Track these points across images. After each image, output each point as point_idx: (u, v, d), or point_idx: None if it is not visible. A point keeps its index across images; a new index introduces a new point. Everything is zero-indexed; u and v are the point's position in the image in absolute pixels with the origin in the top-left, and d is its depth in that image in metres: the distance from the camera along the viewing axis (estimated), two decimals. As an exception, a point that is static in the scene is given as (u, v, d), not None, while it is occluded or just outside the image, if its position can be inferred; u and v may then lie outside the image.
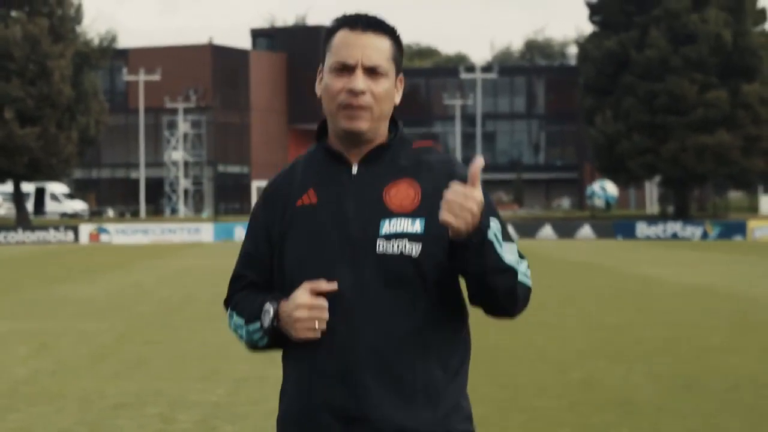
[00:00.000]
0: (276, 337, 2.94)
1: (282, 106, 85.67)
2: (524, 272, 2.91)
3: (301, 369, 2.92)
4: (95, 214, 73.28)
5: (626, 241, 52.32)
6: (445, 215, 2.74)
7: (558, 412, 9.11)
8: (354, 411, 2.85)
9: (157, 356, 12.61)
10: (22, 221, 58.30)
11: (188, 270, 29.69)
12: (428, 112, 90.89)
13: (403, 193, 2.91)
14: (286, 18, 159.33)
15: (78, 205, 73.77)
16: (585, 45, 64.77)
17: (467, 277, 2.87)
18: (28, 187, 67.39)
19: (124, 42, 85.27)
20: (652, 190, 79.74)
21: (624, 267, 29.71)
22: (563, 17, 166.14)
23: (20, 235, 52.78)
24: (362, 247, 2.88)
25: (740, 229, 53.60)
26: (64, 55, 55.90)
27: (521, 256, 2.93)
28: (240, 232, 54.98)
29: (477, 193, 2.75)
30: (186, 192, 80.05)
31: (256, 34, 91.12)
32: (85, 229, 53.86)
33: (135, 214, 75.75)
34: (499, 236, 2.84)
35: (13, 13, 57.80)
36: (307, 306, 2.84)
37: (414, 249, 2.86)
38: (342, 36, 2.94)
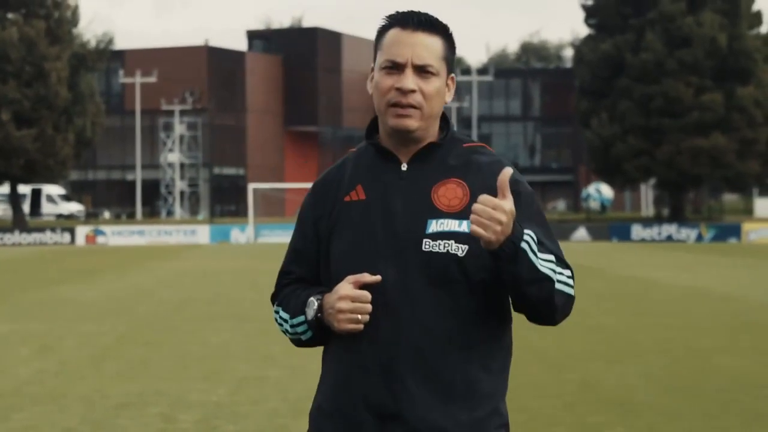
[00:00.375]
0: (320, 331, 2.94)
1: (278, 108, 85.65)
2: (564, 281, 2.89)
3: (341, 363, 2.92)
4: (91, 216, 73.23)
5: (621, 243, 52.42)
6: (474, 226, 2.74)
7: (555, 412, 9.21)
8: (391, 409, 2.84)
9: (158, 357, 12.71)
10: (18, 223, 58.33)
11: (186, 272, 29.76)
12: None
13: (451, 192, 2.90)
14: (282, 20, 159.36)
15: (74, 207, 73.73)
16: (580, 48, 64.85)
17: (505, 285, 2.86)
18: (24, 189, 67.39)
19: (120, 44, 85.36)
20: (647, 192, 79.81)
21: (619, 269, 29.81)
22: (559, 20, 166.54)
23: (17, 237, 52.87)
24: (408, 245, 2.86)
25: (735, 231, 53.71)
26: (61, 57, 55.93)
27: (564, 264, 2.91)
28: (236, 234, 55.03)
29: (507, 204, 2.75)
30: (182, 194, 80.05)
31: (253, 36, 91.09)
32: (82, 231, 53.93)
33: (131, 216, 75.75)
34: (534, 246, 2.81)
35: (10, 15, 57.81)
36: (349, 297, 2.83)
37: (460, 249, 2.85)
38: (393, 34, 2.93)
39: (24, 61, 55.17)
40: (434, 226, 2.87)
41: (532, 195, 2.96)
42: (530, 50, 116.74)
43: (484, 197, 2.76)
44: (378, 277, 2.85)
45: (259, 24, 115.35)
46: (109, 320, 16.75)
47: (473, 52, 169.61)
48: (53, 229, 54.11)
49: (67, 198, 75.06)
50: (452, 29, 3.00)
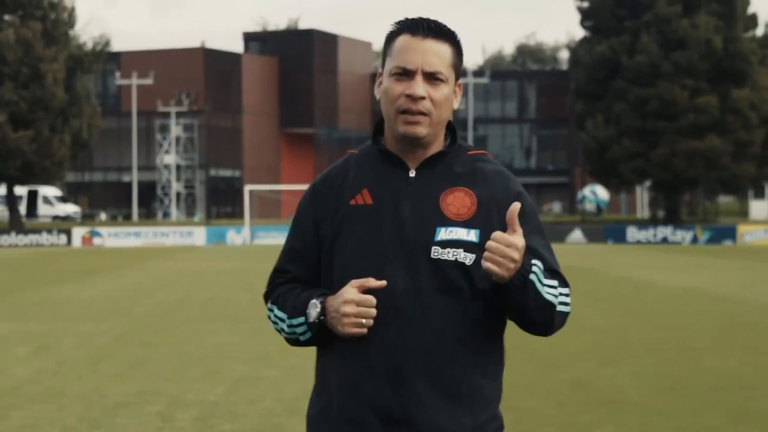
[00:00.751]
0: (320, 333, 2.94)
1: (274, 110, 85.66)
2: (563, 301, 2.95)
3: (347, 366, 2.91)
4: (87, 218, 73.25)
5: (617, 245, 52.51)
6: (489, 264, 2.78)
7: (547, 411, 9.32)
8: (398, 413, 2.86)
9: (156, 357, 12.80)
10: (15, 224, 58.34)
11: (183, 273, 29.84)
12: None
13: (459, 201, 2.92)
14: (278, 22, 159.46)
15: (70, 209, 73.69)
16: (576, 50, 64.95)
17: (507, 302, 2.92)
18: (20, 190, 67.43)
19: (116, 45, 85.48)
20: (642, 194, 79.89)
21: (614, 271, 29.89)
22: (555, 22, 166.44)
23: (13, 238, 52.94)
24: (417, 252, 2.88)
25: (730, 233, 53.82)
26: (57, 58, 55.95)
27: (563, 282, 2.97)
28: (232, 236, 55.09)
29: (519, 240, 2.79)
30: (178, 195, 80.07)
31: (249, 38, 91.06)
32: (78, 233, 53.99)
33: (127, 218, 75.76)
34: (541, 275, 2.87)
35: (7, 17, 57.81)
36: (354, 302, 2.83)
37: (468, 258, 2.88)
38: (403, 41, 2.94)
39: (20, 63, 55.20)
40: (443, 233, 2.89)
41: (533, 207, 3.02)
42: (526, 52, 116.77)
43: (497, 235, 2.80)
44: (383, 282, 2.86)
45: (256, 26, 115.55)
46: (107, 320, 16.84)
47: (469, 53, 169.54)
48: (50, 231, 54.16)
49: (63, 199, 75.03)
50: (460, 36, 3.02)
